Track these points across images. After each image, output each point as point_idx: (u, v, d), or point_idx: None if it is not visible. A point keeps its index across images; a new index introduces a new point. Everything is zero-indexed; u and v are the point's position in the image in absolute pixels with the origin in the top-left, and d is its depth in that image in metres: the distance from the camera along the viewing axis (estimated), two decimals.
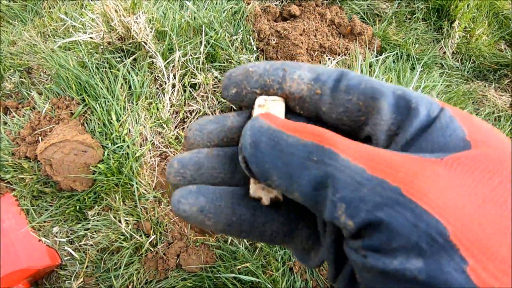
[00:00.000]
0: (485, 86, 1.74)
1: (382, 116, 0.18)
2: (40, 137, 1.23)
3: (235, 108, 1.44)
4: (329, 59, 1.54)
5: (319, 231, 0.22)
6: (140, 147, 1.29)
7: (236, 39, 1.56)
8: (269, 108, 0.21)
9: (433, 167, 0.15)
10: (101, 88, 1.28)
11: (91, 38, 1.34)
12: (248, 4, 1.68)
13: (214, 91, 1.51)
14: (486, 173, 0.15)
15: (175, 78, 1.42)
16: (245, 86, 0.22)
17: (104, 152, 1.20)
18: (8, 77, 1.50)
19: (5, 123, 1.32)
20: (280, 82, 0.21)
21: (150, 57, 1.41)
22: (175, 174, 0.22)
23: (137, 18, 1.33)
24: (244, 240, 1.19)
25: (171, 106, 1.44)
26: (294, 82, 0.21)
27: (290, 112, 0.22)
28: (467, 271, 0.12)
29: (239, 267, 1.11)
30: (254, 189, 0.22)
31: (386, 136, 0.19)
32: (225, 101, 1.49)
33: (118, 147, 1.22)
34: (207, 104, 1.49)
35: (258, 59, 1.56)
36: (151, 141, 1.33)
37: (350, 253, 0.16)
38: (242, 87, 0.22)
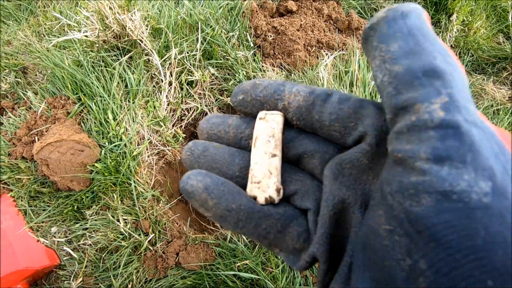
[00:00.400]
0: (483, 79, 1.74)
1: (371, 117, 0.21)
2: (36, 137, 1.22)
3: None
4: (326, 54, 1.53)
5: (310, 229, 0.23)
6: (138, 145, 1.29)
7: (233, 35, 1.55)
8: (268, 120, 0.25)
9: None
10: (97, 86, 1.27)
11: (86, 36, 1.33)
12: (245, 0, 1.67)
13: (211, 88, 1.50)
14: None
15: (171, 75, 1.41)
16: (250, 94, 0.26)
17: (101, 151, 1.19)
18: (4, 77, 1.49)
19: (1, 123, 1.31)
20: (280, 94, 0.25)
21: (146, 54, 1.40)
22: (187, 150, 0.27)
23: (132, 16, 1.32)
24: (243, 236, 1.19)
25: (168, 104, 1.43)
26: (292, 94, 0.25)
27: (288, 125, 0.26)
28: None
29: (239, 264, 1.11)
30: (251, 188, 0.24)
31: (379, 132, 0.21)
32: (221, 98, 1.48)
33: (115, 146, 1.21)
34: (205, 102, 1.48)
35: (255, 55, 1.55)
36: (148, 139, 1.32)
37: (401, 175, 0.16)
38: (248, 94, 0.26)
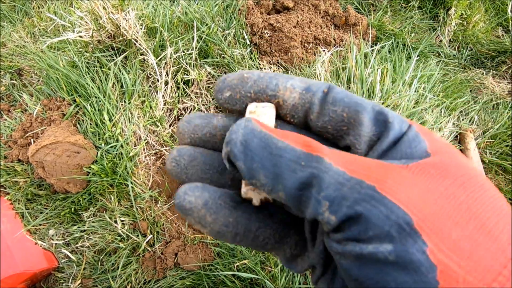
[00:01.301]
0: (482, 73, 1.72)
1: (364, 128, 0.21)
2: (32, 139, 1.21)
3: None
4: (323, 50, 1.52)
5: (307, 237, 0.23)
6: (134, 146, 1.28)
7: (229, 33, 1.53)
8: (260, 114, 0.23)
9: (400, 171, 0.18)
10: (92, 87, 1.26)
11: (80, 37, 1.31)
12: None
13: (208, 87, 1.49)
14: (440, 176, 0.18)
15: (167, 75, 1.40)
16: (239, 90, 0.23)
17: (97, 153, 1.18)
18: None
19: None
20: (274, 89, 0.23)
21: (142, 54, 1.39)
22: (172, 160, 0.25)
23: (126, 15, 1.30)
24: None
25: (164, 104, 1.42)
26: (287, 91, 0.23)
27: (280, 119, 0.24)
28: (427, 252, 0.15)
29: (238, 264, 1.10)
30: (246, 190, 0.23)
31: (366, 145, 0.21)
32: None
33: (111, 147, 1.20)
34: (201, 101, 1.47)
35: (251, 53, 1.54)
36: (145, 140, 1.31)
37: (331, 244, 0.18)
38: (236, 91, 0.23)
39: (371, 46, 1.56)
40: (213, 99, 1.48)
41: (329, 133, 0.23)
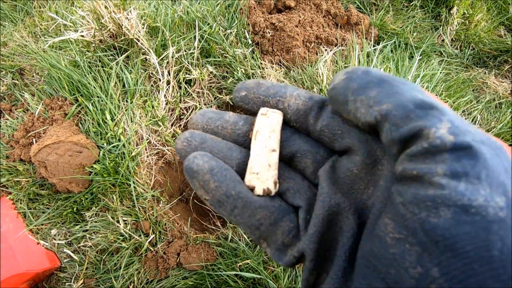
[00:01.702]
0: (485, 73, 1.72)
1: (357, 131, 0.24)
2: (34, 139, 1.21)
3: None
4: (325, 50, 1.51)
5: (300, 226, 0.24)
6: (136, 146, 1.27)
7: (231, 33, 1.53)
8: (270, 117, 0.26)
9: None
10: (94, 87, 1.26)
11: (82, 36, 1.31)
12: None
13: (210, 86, 1.49)
14: None
15: (169, 74, 1.40)
16: (253, 92, 0.27)
17: (99, 152, 1.18)
18: (1, 79, 1.48)
19: None
20: (282, 95, 0.26)
21: (143, 54, 1.39)
22: (183, 140, 0.26)
23: (128, 14, 1.30)
24: (244, 235, 1.18)
25: (166, 104, 1.42)
26: (293, 97, 0.26)
27: (284, 123, 0.27)
28: None
29: (240, 264, 1.10)
30: (250, 178, 0.25)
31: (365, 146, 0.23)
32: (220, 96, 1.47)
33: (113, 146, 1.20)
34: (203, 100, 1.47)
35: (253, 52, 1.54)
36: (147, 139, 1.31)
37: (416, 187, 0.16)
38: (251, 92, 0.27)
39: (373, 46, 1.56)
40: (215, 98, 1.48)
41: (326, 136, 0.25)
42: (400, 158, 0.18)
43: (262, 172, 0.25)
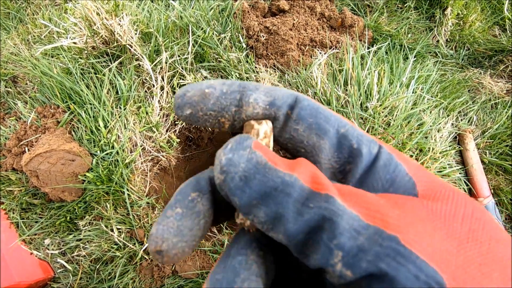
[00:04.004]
0: (480, 73, 1.71)
1: (324, 155, 0.20)
2: (26, 148, 1.20)
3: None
4: (320, 53, 1.51)
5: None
6: (130, 152, 1.26)
7: (225, 37, 1.52)
8: (259, 134, 0.21)
9: (417, 211, 0.16)
10: (86, 94, 1.24)
11: (74, 43, 1.30)
12: (236, 0, 1.64)
13: None
14: (448, 213, 0.16)
15: (163, 80, 1.39)
16: (201, 108, 0.21)
17: (92, 160, 1.16)
18: None
19: None
20: (238, 105, 0.21)
21: (137, 59, 1.38)
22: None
23: (120, 21, 1.29)
24: None
25: (160, 109, 1.41)
26: (249, 106, 0.21)
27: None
28: None
29: None
30: (240, 216, 0.21)
31: (329, 173, 0.20)
32: None
33: (107, 154, 1.19)
34: None
35: (247, 56, 1.53)
36: (141, 146, 1.30)
37: None
38: (197, 109, 0.21)
39: (368, 48, 1.55)
40: None
41: (289, 149, 0.22)
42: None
43: None
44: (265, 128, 0.21)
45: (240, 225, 0.21)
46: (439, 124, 1.38)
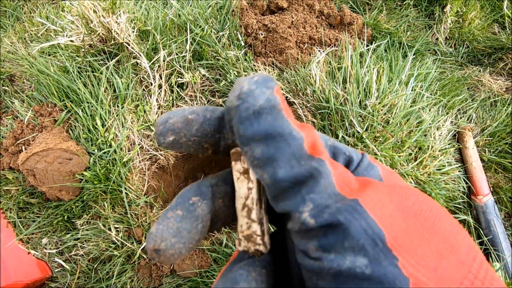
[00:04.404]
0: (479, 70, 1.71)
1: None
2: (23, 147, 1.19)
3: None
4: (319, 50, 1.50)
5: None
6: (128, 151, 1.26)
7: (223, 35, 1.51)
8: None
9: (378, 187, 0.19)
10: (84, 92, 1.24)
11: (71, 41, 1.29)
12: None
13: (203, 90, 1.47)
14: (404, 195, 0.20)
15: (161, 78, 1.38)
16: (184, 134, 0.21)
17: (90, 159, 1.16)
18: None
19: None
20: (222, 131, 0.22)
21: (134, 58, 1.37)
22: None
23: (117, 18, 1.28)
24: None
25: (158, 108, 1.40)
26: (230, 132, 0.22)
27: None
28: (398, 265, 0.16)
29: None
30: (242, 244, 0.22)
31: None
32: (213, 99, 1.45)
33: (104, 152, 1.18)
34: (196, 104, 1.45)
35: (246, 54, 1.52)
36: (139, 144, 1.29)
37: (308, 263, 0.18)
38: (181, 135, 0.21)
39: (367, 45, 1.54)
40: (208, 101, 1.46)
41: None
42: (288, 228, 0.20)
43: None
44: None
45: (244, 252, 0.22)
46: (438, 122, 1.38)
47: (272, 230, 0.25)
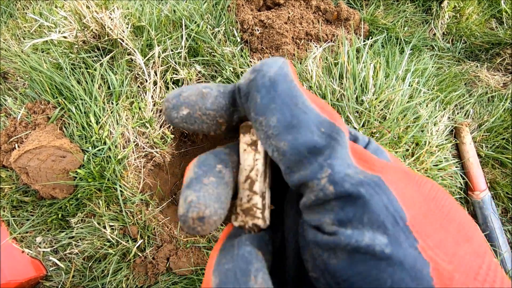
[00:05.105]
0: (477, 66, 1.70)
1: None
2: (16, 145, 1.17)
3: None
4: (315, 46, 1.49)
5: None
6: (123, 148, 1.24)
7: (219, 31, 1.50)
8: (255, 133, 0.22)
9: (396, 169, 0.19)
10: (77, 89, 1.22)
11: (64, 37, 1.27)
12: None
13: None
14: (420, 180, 0.19)
15: (156, 75, 1.36)
16: (199, 108, 0.21)
17: (84, 157, 1.14)
18: None
19: None
20: (234, 104, 0.21)
21: (129, 54, 1.35)
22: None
23: (111, 14, 1.26)
24: None
25: (154, 105, 1.39)
26: (243, 109, 0.22)
27: None
28: (418, 248, 0.16)
29: None
30: (239, 218, 0.22)
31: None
32: None
33: (98, 150, 1.17)
34: None
35: (242, 50, 1.51)
36: (134, 142, 1.28)
37: (316, 236, 0.17)
38: (196, 108, 0.21)
39: (364, 41, 1.53)
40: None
41: None
42: (300, 206, 0.19)
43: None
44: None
45: (240, 227, 0.21)
46: (435, 117, 1.37)
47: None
